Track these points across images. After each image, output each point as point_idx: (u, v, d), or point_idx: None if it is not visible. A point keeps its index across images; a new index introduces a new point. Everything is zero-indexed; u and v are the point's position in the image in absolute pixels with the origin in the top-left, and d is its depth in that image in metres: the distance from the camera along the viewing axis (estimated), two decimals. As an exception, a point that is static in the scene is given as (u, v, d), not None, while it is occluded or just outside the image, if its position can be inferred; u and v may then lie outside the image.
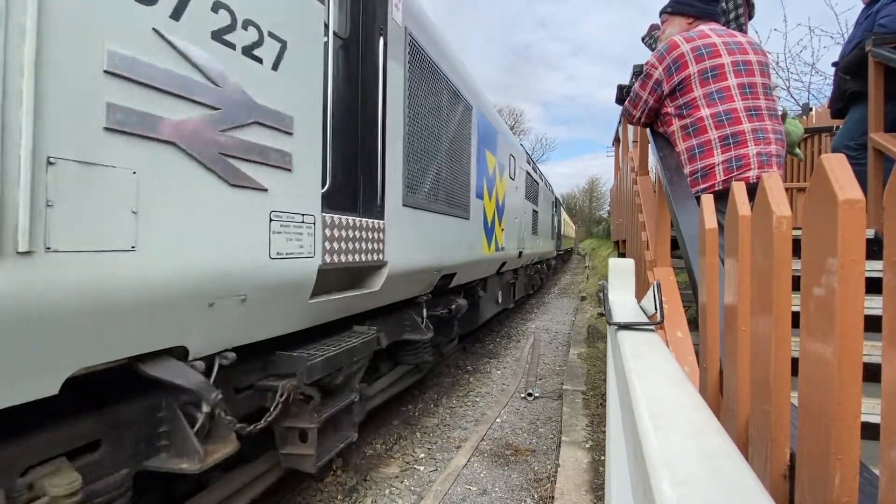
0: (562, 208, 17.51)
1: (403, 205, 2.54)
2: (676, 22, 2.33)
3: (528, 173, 7.16)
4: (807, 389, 0.55)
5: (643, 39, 2.91)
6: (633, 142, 4.14)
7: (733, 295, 0.80)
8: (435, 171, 3.03)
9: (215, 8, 1.37)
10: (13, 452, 1.13)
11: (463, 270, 3.72)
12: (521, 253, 6.25)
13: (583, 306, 9.53)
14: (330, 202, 1.95)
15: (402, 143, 2.51)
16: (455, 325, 4.02)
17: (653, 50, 2.48)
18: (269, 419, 1.71)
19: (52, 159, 0.99)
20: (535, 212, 7.93)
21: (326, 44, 1.90)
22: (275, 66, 1.60)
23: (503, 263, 5.44)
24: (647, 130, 2.49)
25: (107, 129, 1.10)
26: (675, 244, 2.40)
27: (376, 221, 2.28)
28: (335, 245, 1.92)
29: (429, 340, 3.26)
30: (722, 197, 1.74)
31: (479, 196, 4.10)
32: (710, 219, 0.96)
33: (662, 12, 2.45)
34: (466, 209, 3.67)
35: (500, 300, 5.87)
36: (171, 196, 1.25)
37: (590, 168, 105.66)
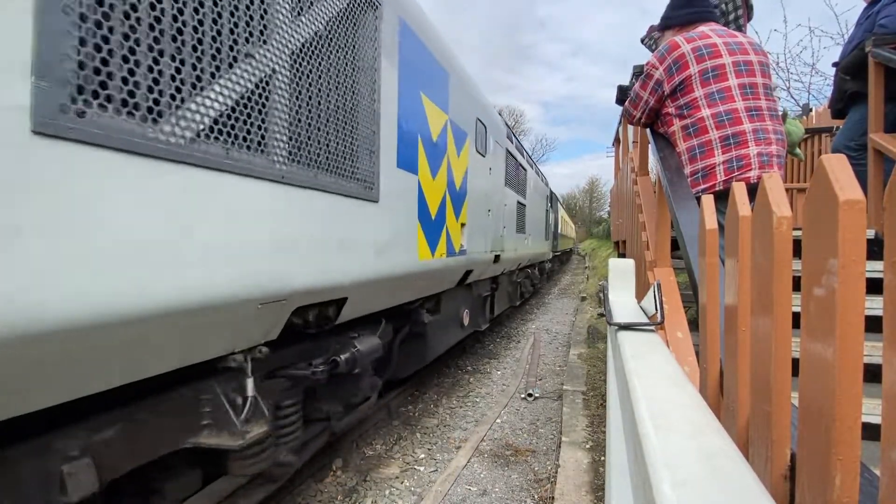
0: (559, 204, 16.52)
1: (78, 138, 0.93)
2: (668, 36, 2.35)
3: (509, 153, 5.29)
4: (807, 390, 0.55)
5: (642, 41, 2.91)
6: (634, 142, 4.14)
7: (733, 295, 0.80)
8: (247, 81, 1.35)
9: None
10: None
11: (366, 292, 2.12)
12: (497, 256, 4.64)
13: (583, 307, 9.53)
14: None
15: None
16: (362, 381, 2.44)
17: (652, 51, 2.48)
18: None
19: None
20: (520, 204, 6.09)
21: None
22: None
23: (468, 272, 3.81)
24: (648, 131, 2.49)
25: None
26: (675, 245, 2.40)
27: None
28: None
29: (260, 439, 1.66)
30: (722, 197, 1.75)
31: (408, 167, 2.45)
32: (710, 219, 0.96)
33: (658, 30, 2.47)
34: (369, 184, 2.02)
35: (466, 321, 4.32)
36: None
37: (590, 168, 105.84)
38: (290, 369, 1.97)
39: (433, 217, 2.86)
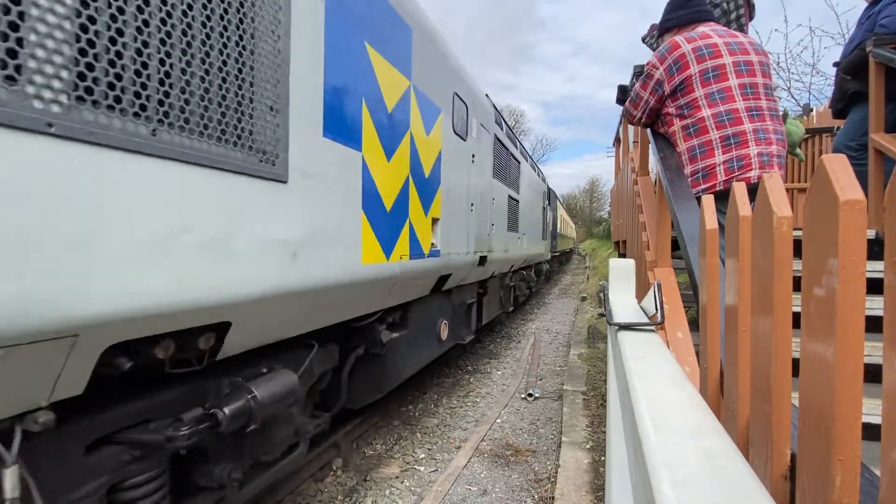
0: (559, 203, 16.12)
1: None
2: (668, 38, 2.35)
3: (498, 140, 4.61)
4: (807, 390, 0.55)
5: (644, 39, 2.91)
6: (634, 142, 4.14)
7: (734, 295, 0.80)
8: None
9: None
10: None
11: (269, 311, 1.54)
12: (484, 258, 4.01)
13: (583, 307, 9.53)
14: None
15: None
16: (274, 433, 1.90)
17: (654, 50, 2.48)
18: None
19: None
20: (512, 200, 5.42)
21: None
22: None
23: (443, 277, 3.20)
24: (648, 131, 2.49)
25: None
26: (675, 244, 2.40)
27: None
28: None
29: None
30: (722, 197, 1.75)
31: (344, 138, 1.84)
32: (710, 219, 0.96)
33: (658, 34, 2.48)
34: (269, 156, 1.43)
35: (444, 334, 3.61)
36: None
37: (590, 168, 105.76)
38: (138, 432, 1.35)
39: (388, 208, 2.23)
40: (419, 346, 3.21)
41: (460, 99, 3.33)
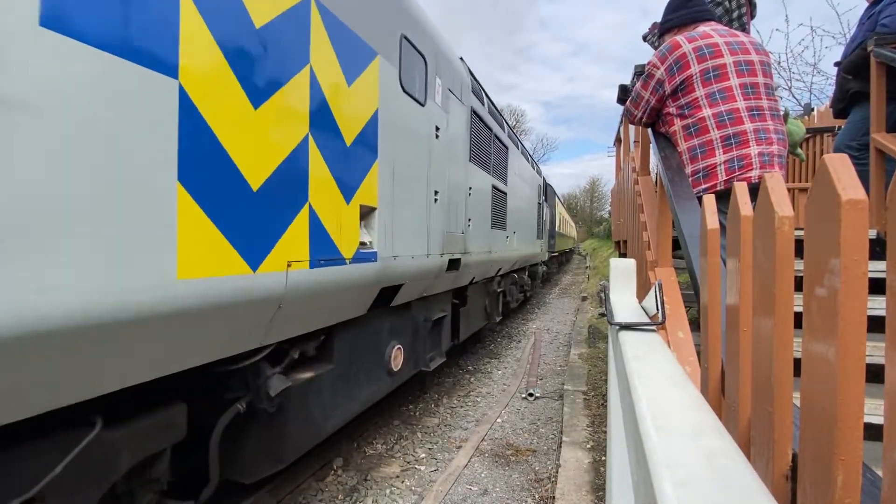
0: (557, 199, 15.54)
1: None
2: (669, 38, 2.34)
3: (476, 115, 3.73)
4: (809, 390, 0.55)
5: (645, 38, 2.91)
6: (635, 142, 4.14)
7: (735, 295, 0.80)
8: None
9: None
10: None
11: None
12: (455, 261, 3.27)
13: (584, 306, 9.53)
14: None
15: None
16: None
17: (655, 48, 2.48)
18: None
19: None
20: (498, 191, 4.59)
21: None
22: None
23: (390, 288, 2.42)
24: (649, 130, 2.49)
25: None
26: (676, 244, 2.40)
27: None
28: None
29: None
30: (723, 197, 1.75)
31: (112, 41, 1.00)
32: (711, 219, 0.96)
33: (658, 35, 2.48)
34: None
35: (397, 363, 2.75)
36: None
37: (591, 168, 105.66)
38: None
39: (256, 185, 1.42)
40: (353, 386, 2.32)
41: (412, 46, 2.48)
